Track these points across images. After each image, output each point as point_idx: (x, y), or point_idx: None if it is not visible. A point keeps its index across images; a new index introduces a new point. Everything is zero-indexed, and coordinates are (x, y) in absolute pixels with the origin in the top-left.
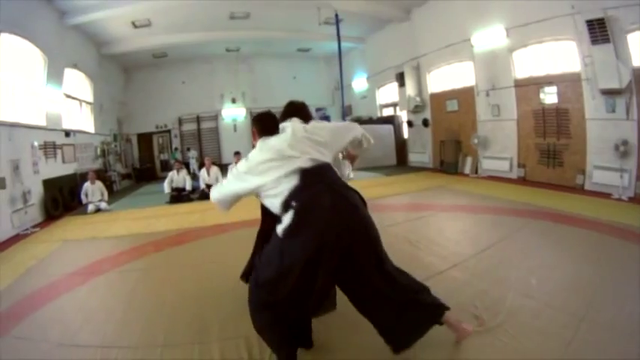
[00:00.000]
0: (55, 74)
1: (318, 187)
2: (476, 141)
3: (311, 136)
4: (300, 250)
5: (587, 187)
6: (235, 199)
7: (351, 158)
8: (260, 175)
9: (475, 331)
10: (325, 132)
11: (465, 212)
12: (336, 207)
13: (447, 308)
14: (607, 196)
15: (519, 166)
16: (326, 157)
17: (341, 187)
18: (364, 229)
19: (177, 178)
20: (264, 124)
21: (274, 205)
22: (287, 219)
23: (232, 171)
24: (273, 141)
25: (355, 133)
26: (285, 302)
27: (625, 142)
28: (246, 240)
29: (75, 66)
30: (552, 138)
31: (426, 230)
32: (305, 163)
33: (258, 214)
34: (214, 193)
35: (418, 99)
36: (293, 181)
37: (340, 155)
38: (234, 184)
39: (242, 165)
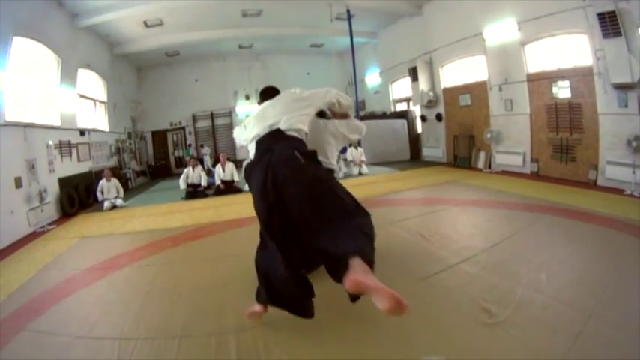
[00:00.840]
0: (68, 75)
1: (260, 155)
2: (489, 136)
3: (297, 95)
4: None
5: (599, 182)
6: (240, 142)
7: (341, 116)
8: (250, 129)
9: (485, 324)
10: (307, 92)
11: (478, 207)
12: (268, 170)
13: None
14: (619, 192)
15: (532, 160)
16: (302, 112)
17: (279, 148)
18: (288, 184)
19: (193, 174)
20: (265, 94)
21: None
22: None
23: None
24: (264, 103)
25: (331, 96)
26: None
27: (637, 138)
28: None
29: (88, 66)
30: (565, 133)
31: (438, 224)
32: (263, 131)
33: None
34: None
35: (431, 94)
36: (253, 148)
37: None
38: (242, 130)
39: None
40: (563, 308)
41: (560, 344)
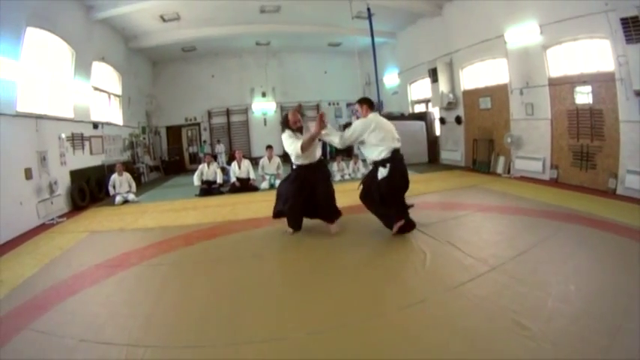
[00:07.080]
0: (82, 67)
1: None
2: (509, 140)
3: None
4: None
5: (619, 191)
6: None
7: None
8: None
9: (518, 335)
10: None
11: (500, 213)
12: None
13: None
14: (638, 201)
15: (552, 167)
16: None
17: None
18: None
19: (208, 171)
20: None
21: None
22: None
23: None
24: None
25: None
26: None
27: None
28: (283, 235)
29: (103, 59)
30: (586, 139)
31: (463, 231)
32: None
33: None
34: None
35: (451, 96)
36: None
37: None
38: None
39: None
40: (592, 321)
41: (591, 357)
